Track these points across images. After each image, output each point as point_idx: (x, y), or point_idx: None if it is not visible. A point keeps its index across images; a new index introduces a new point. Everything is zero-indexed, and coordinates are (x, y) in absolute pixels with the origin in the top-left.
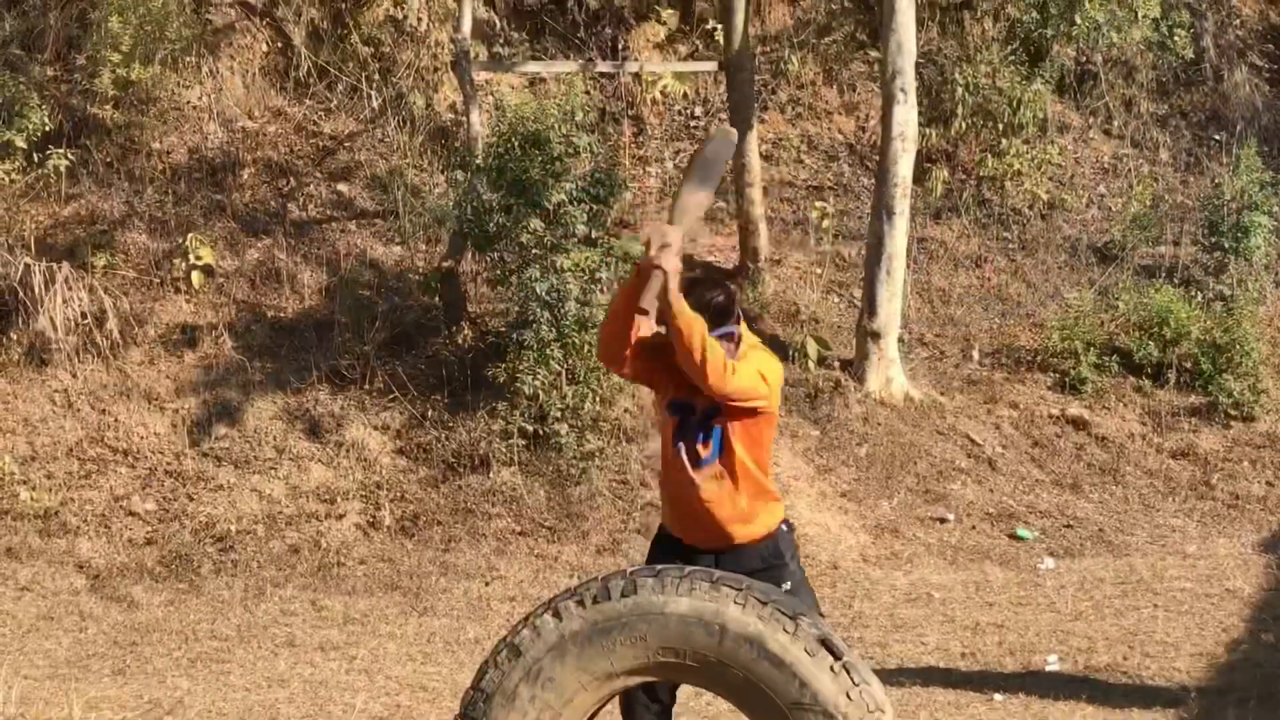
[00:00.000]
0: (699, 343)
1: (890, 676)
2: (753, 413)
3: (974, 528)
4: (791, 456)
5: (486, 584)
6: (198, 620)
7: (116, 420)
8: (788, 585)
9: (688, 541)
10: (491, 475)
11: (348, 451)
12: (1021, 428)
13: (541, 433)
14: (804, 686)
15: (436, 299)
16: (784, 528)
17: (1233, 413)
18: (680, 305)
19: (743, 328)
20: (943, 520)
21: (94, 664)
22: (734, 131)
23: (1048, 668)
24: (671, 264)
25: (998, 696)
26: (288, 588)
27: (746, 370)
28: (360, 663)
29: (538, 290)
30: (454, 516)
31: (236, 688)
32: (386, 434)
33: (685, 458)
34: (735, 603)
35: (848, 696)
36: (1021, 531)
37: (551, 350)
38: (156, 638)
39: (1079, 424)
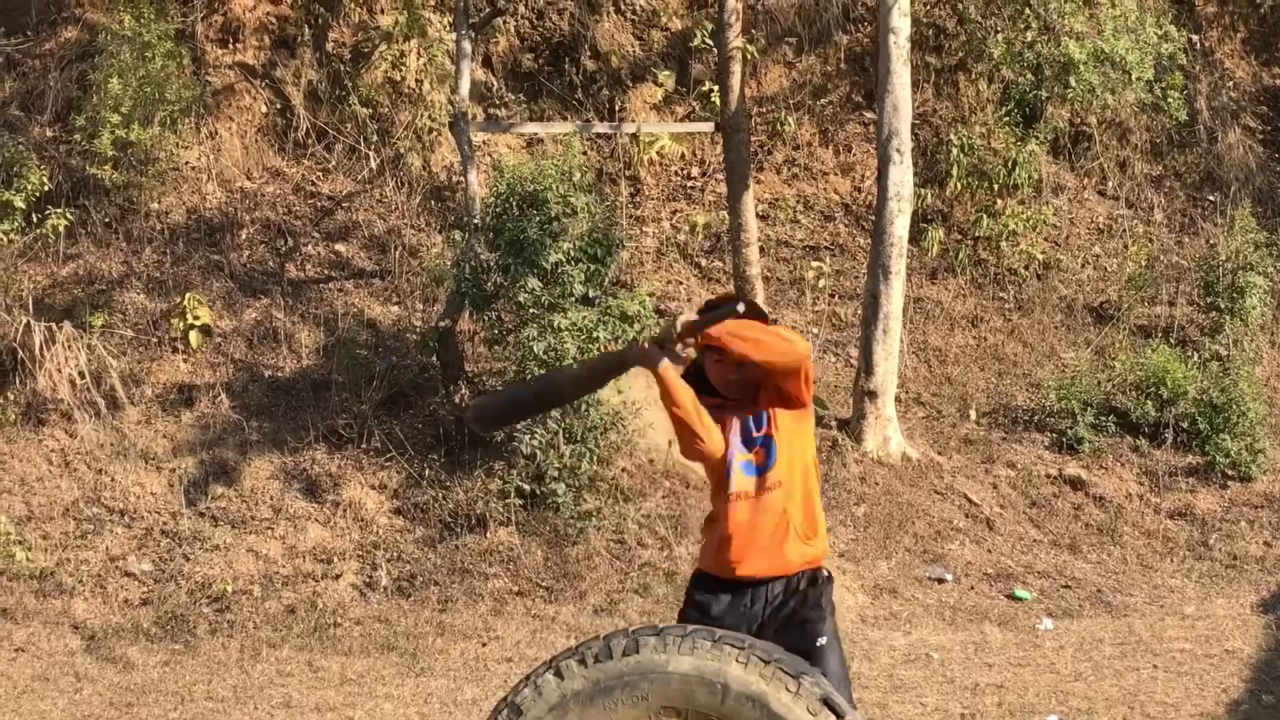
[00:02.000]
0: (768, 338)
1: None
2: (793, 400)
3: (972, 588)
4: None
5: (484, 644)
6: (193, 681)
7: (113, 480)
8: (822, 641)
9: (742, 573)
10: (488, 535)
11: (345, 511)
12: (1019, 487)
13: (539, 492)
14: None
15: (434, 358)
16: (826, 573)
17: (1230, 473)
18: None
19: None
20: (941, 580)
21: None
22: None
23: None
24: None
25: None
26: (284, 648)
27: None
28: None
29: (535, 350)
30: (451, 576)
31: None
32: (384, 493)
33: (756, 484)
34: (738, 661)
35: None
36: (1019, 592)
37: (549, 410)
38: (152, 699)
39: (1076, 484)
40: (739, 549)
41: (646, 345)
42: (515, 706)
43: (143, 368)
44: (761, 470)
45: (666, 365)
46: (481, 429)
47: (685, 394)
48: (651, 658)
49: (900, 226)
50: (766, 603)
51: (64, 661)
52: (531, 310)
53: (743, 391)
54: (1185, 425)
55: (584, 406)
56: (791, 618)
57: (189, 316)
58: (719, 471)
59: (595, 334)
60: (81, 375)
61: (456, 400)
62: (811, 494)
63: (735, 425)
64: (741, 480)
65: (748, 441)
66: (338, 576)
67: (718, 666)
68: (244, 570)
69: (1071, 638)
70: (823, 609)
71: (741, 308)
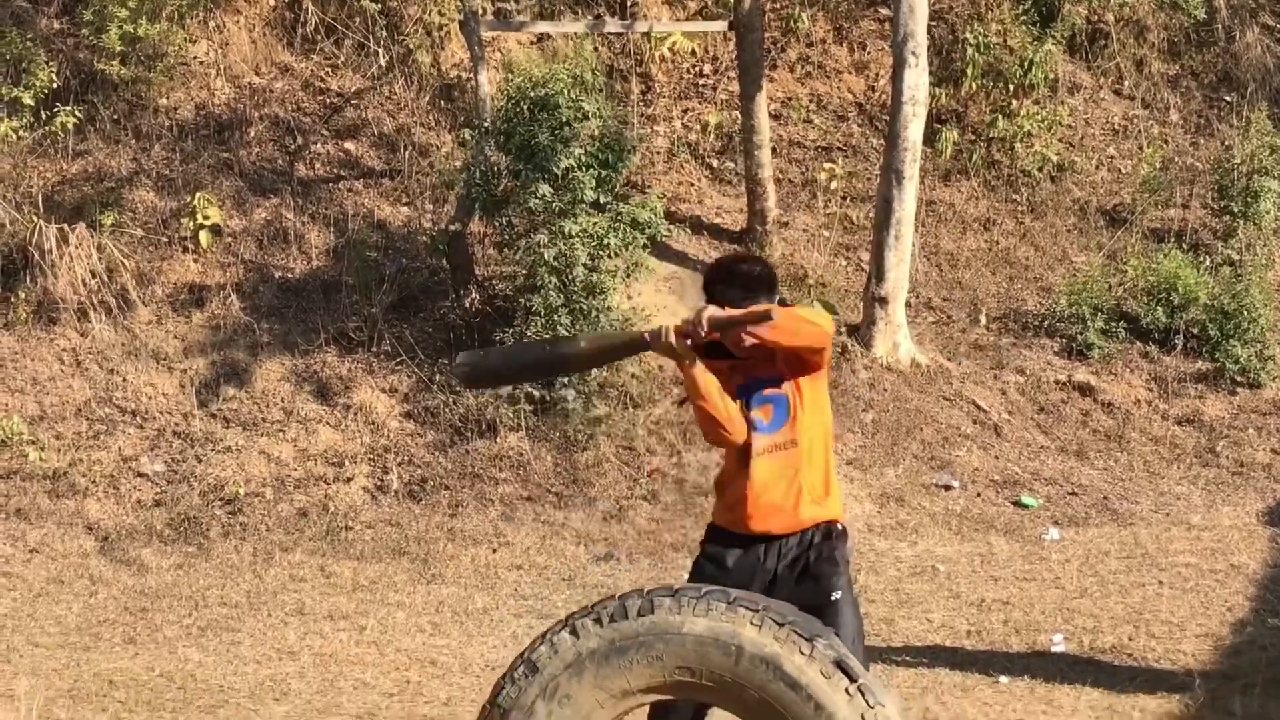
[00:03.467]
0: (799, 324)
1: (897, 655)
2: (811, 367)
3: (979, 495)
4: None
5: (494, 551)
6: (207, 586)
7: (125, 380)
8: (836, 595)
9: (756, 528)
10: (499, 440)
11: (355, 414)
12: (1028, 393)
13: (549, 398)
14: (819, 709)
15: (444, 261)
16: (841, 527)
17: (1239, 379)
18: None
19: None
20: (948, 488)
21: (104, 631)
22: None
23: (1053, 648)
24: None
25: (1003, 679)
26: (296, 552)
27: (805, 312)
28: (370, 634)
29: (545, 256)
30: (461, 481)
31: (247, 660)
32: (394, 397)
33: (753, 428)
34: (752, 624)
35: (863, 718)
36: (1026, 499)
37: (559, 316)
38: (166, 604)
39: (1085, 390)
40: (752, 506)
41: (672, 338)
42: (531, 664)
43: (153, 267)
44: (774, 427)
45: (692, 364)
46: (466, 386)
47: (711, 386)
48: (667, 619)
49: (914, 131)
50: (780, 557)
51: (78, 563)
52: (542, 216)
53: (759, 354)
54: (1195, 331)
55: (594, 313)
56: (806, 572)
57: (199, 216)
58: (736, 450)
59: (606, 240)
60: (93, 275)
61: (466, 305)
62: (828, 455)
63: (750, 381)
64: (756, 438)
65: (761, 398)
66: (349, 480)
67: (732, 629)
68: (255, 472)
69: (1077, 550)
70: (837, 564)
71: (775, 316)
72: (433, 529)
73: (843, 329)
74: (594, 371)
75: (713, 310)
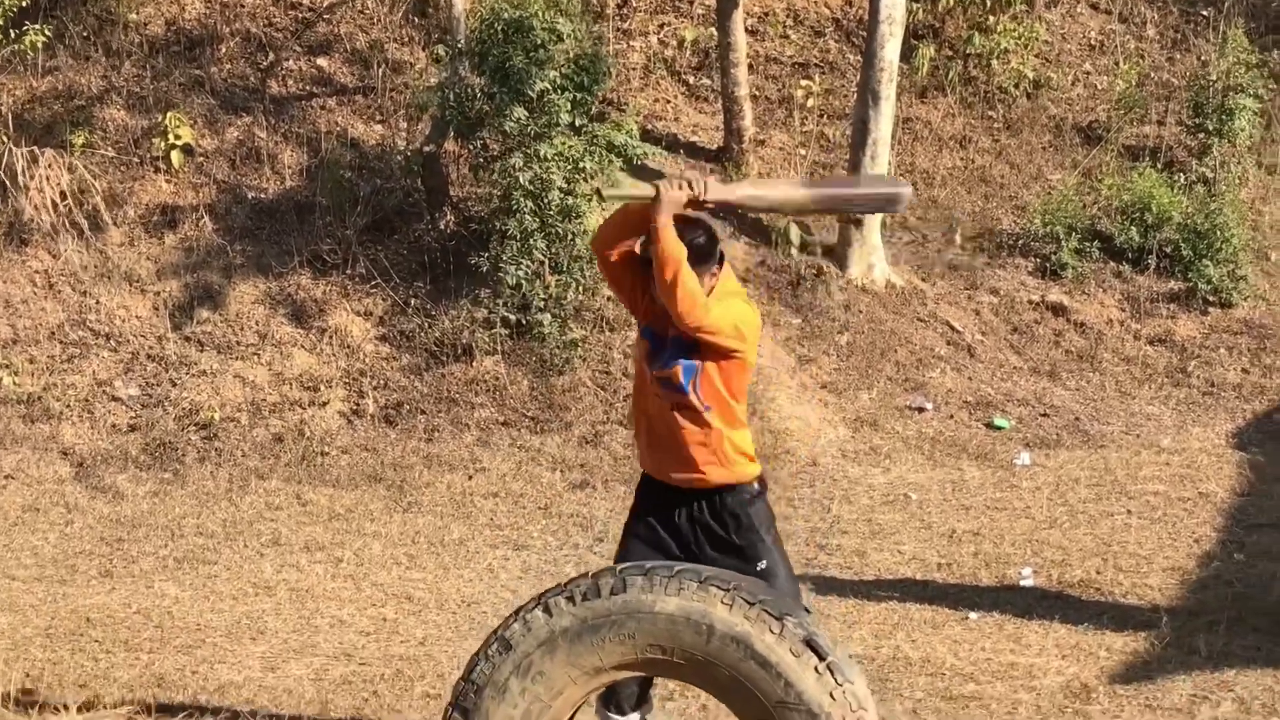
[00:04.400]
0: (674, 270)
1: (869, 590)
2: (725, 355)
3: (951, 417)
4: (773, 346)
5: (470, 478)
6: (183, 514)
7: (98, 303)
8: (763, 565)
9: (660, 477)
10: (474, 364)
11: (330, 338)
12: (1001, 314)
13: (524, 322)
14: (789, 686)
15: (419, 183)
16: (757, 487)
17: (1211, 299)
18: (667, 232)
19: (725, 273)
20: (921, 410)
21: (81, 564)
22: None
23: (1022, 582)
24: (674, 195)
25: (973, 615)
26: (272, 479)
27: (722, 312)
28: (346, 567)
29: (520, 180)
30: (437, 405)
31: (224, 595)
32: (369, 320)
33: (656, 383)
34: (723, 603)
35: (831, 696)
36: (998, 421)
37: (535, 240)
38: (143, 533)
39: (1058, 310)
40: (651, 450)
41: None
42: (505, 641)
43: (125, 188)
44: (674, 385)
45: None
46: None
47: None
48: (639, 597)
49: (891, 51)
50: (691, 519)
51: (54, 490)
52: (517, 139)
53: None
54: (1169, 251)
55: (570, 235)
56: (729, 543)
57: (170, 136)
58: (638, 368)
59: (581, 164)
60: (64, 196)
61: (441, 227)
62: (732, 424)
63: (673, 339)
64: (651, 374)
65: (672, 359)
66: (324, 404)
67: (703, 608)
68: (231, 397)
69: (1048, 477)
70: (757, 530)
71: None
72: (408, 454)
73: (818, 250)
74: (569, 295)
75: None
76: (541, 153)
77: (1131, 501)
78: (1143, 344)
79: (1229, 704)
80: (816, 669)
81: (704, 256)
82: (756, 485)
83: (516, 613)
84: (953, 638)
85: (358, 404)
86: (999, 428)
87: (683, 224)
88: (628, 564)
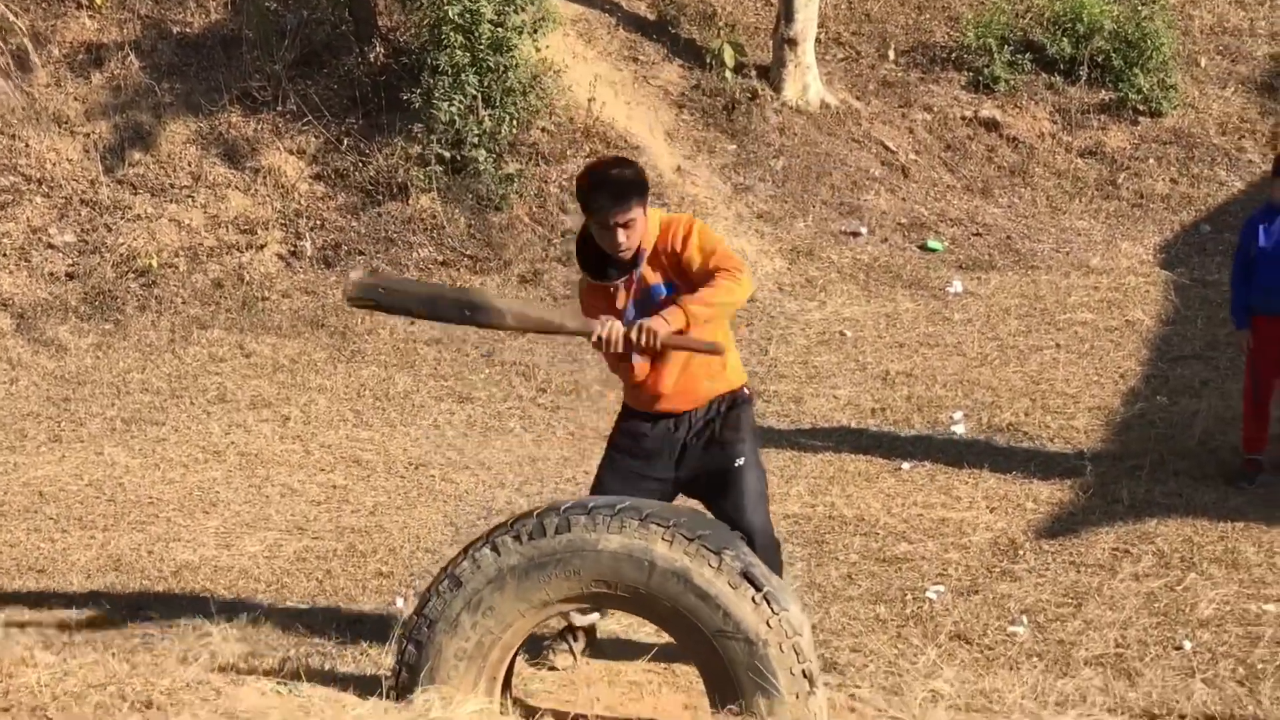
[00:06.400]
0: (724, 311)
1: (805, 440)
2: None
3: (885, 240)
4: (709, 174)
5: (411, 323)
6: (127, 369)
7: (28, 146)
8: (740, 462)
9: (664, 407)
10: (410, 202)
11: (265, 178)
12: (935, 131)
13: (459, 158)
14: (727, 616)
15: (346, 14)
16: (747, 392)
17: (1141, 109)
18: (689, 336)
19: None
20: (856, 234)
21: (29, 428)
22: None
23: (953, 428)
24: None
25: (905, 465)
26: (214, 328)
27: (732, 262)
28: (293, 426)
29: (449, 13)
30: (375, 246)
31: (174, 462)
32: (303, 159)
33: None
34: (663, 539)
35: (767, 624)
36: (932, 243)
37: (466, 75)
38: (88, 390)
39: (991, 125)
40: (649, 393)
41: (619, 346)
42: (455, 578)
43: (48, 26)
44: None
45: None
46: (352, 305)
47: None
48: (583, 536)
49: None
50: (690, 427)
51: None
52: None
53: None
54: (1100, 61)
55: (502, 69)
56: (713, 439)
57: None
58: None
59: None
60: None
61: (371, 60)
62: (721, 335)
63: (635, 289)
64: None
65: (655, 303)
66: (262, 247)
67: (644, 545)
68: (168, 242)
69: (979, 307)
70: (740, 430)
71: (718, 349)
72: None
73: (752, 72)
74: (503, 130)
75: (666, 335)
76: None
77: (1060, 333)
78: (1074, 157)
79: (1149, 558)
80: (753, 599)
81: (645, 188)
82: (746, 391)
83: (465, 550)
84: (886, 491)
85: (295, 245)
86: (932, 250)
87: (607, 166)
88: (571, 503)
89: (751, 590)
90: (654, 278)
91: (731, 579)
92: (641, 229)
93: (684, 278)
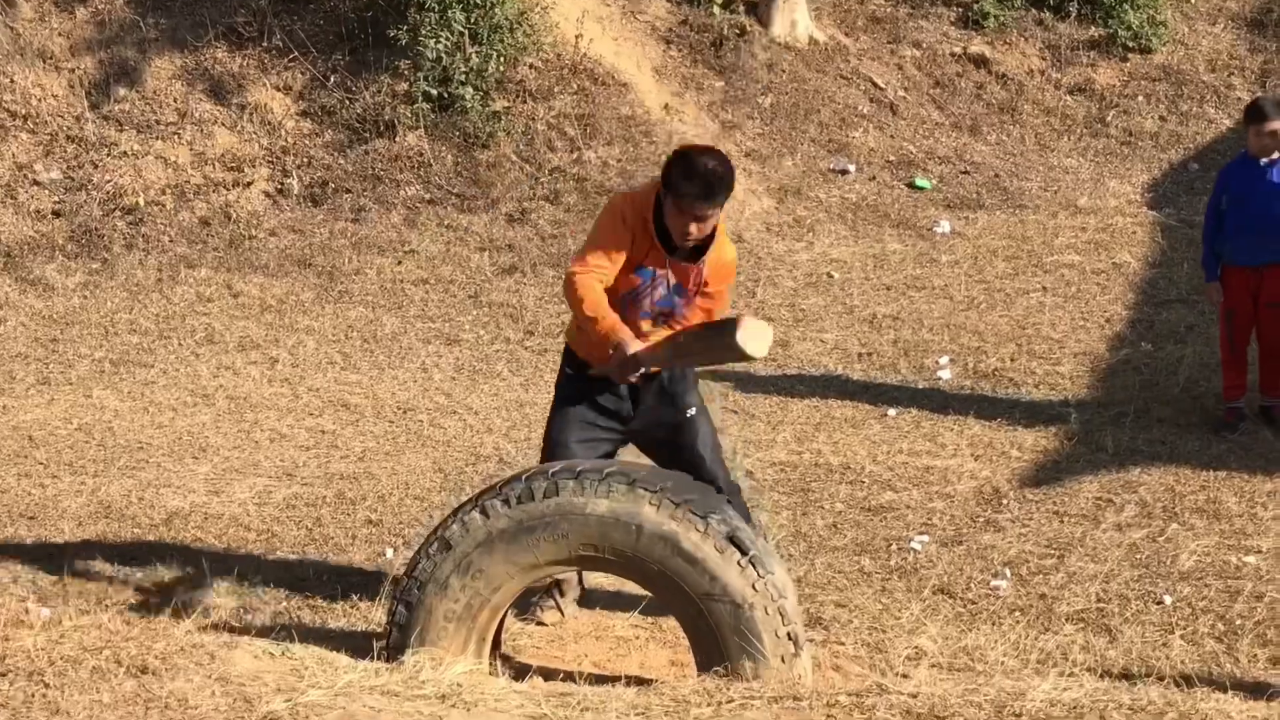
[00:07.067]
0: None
1: (792, 386)
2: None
3: (873, 179)
4: (697, 112)
5: (398, 262)
6: (115, 309)
7: (12, 82)
8: (692, 411)
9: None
10: (397, 140)
11: (251, 115)
12: (924, 68)
13: (446, 95)
14: (714, 580)
15: None
16: None
17: (1130, 45)
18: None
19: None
20: (844, 172)
21: (17, 369)
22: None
23: (939, 373)
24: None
25: (891, 412)
26: (201, 267)
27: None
28: (281, 369)
29: None
30: (362, 184)
31: (163, 406)
32: (289, 96)
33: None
34: (650, 504)
35: (753, 588)
36: (920, 181)
37: (453, 11)
38: (76, 332)
39: (980, 62)
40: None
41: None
42: (445, 541)
43: None
44: (659, 316)
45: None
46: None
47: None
48: (570, 500)
49: None
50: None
51: None
52: None
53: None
54: None
55: (489, 4)
56: (663, 390)
57: None
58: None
59: None
60: None
61: None
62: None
63: (677, 278)
64: (642, 321)
65: (668, 300)
66: (249, 184)
67: (632, 509)
68: (154, 179)
69: (966, 248)
70: (688, 380)
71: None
72: (336, 236)
73: (740, 8)
74: (490, 66)
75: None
76: None
77: (1047, 276)
78: (1063, 94)
79: (1132, 507)
80: (739, 563)
81: (731, 188)
82: None
83: (455, 513)
84: (871, 438)
85: (282, 183)
86: (920, 188)
87: (696, 155)
88: (559, 467)
89: (737, 554)
90: (679, 276)
91: (718, 543)
92: (712, 227)
93: (692, 298)
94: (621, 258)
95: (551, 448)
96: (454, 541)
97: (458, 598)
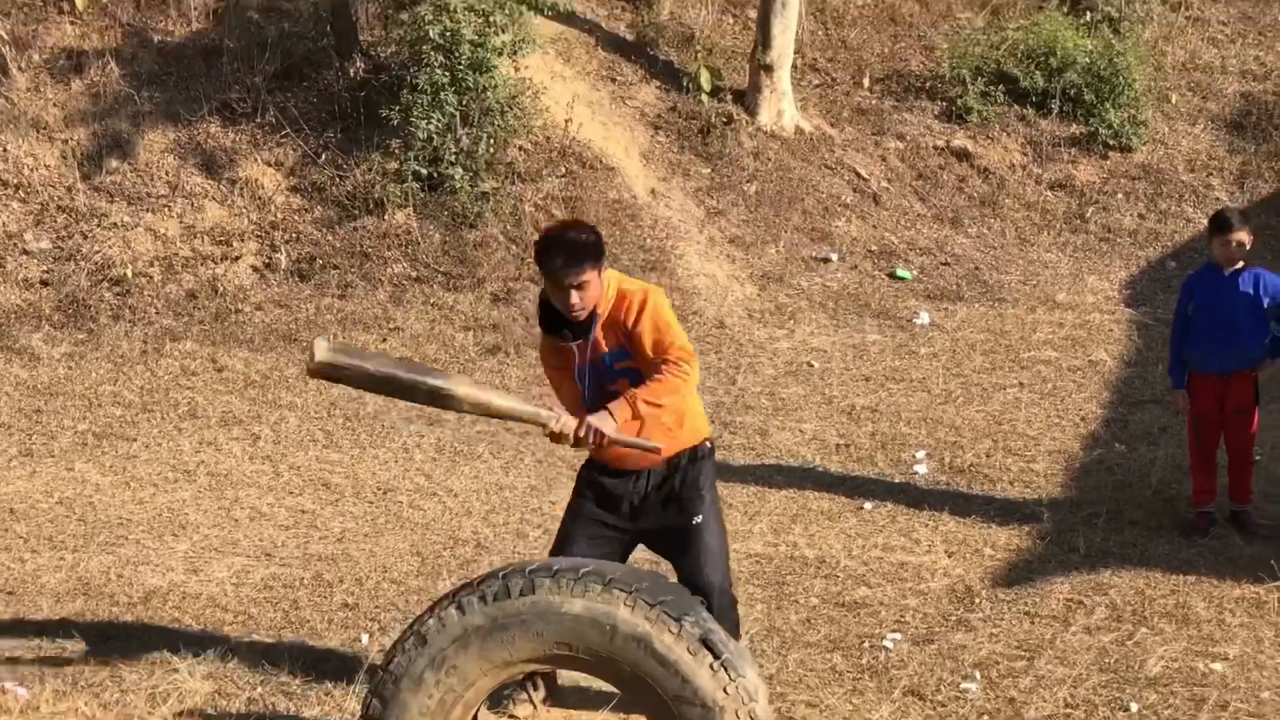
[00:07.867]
0: (669, 401)
1: (770, 475)
2: None
3: (855, 268)
4: (683, 198)
5: (383, 340)
6: (99, 380)
7: (5, 151)
8: (698, 520)
9: (623, 466)
10: (386, 217)
11: (241, 189)
12: (907, 159)
13: (436, 175)
14: (686, 682)
15: (328, 29)
16: (709, 446)
17: (1111, 143)
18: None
19: (607, 270)
20: (826, 260)
21: (1, 441)
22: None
23: (916, 467)
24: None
25: (868, 505)
26: (186, 340)
27: (673, 334)
28: (263, 446)
29: (430, 33)
30: (350, 260)
31: (144, 482)
32: (280, 171)
33: (606, 394)
34: (625, 605)
35: (725, 691)
36: (901, 271)
37: (445, 93)
38: (60, 403)
39: (962, 155)
40: (608, 455)
41: (569, 440)
42: (421, 636)
43: (29, 31)
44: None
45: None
46: (313, 376)
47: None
48: (547, 598)
49: None
50: (649, 481)
51: None
52: None
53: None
54: (1072, 94)
55: (481, 89)
56: (671, 495)
57: None
58: (573, 398)
59: (492, 17)
60: None
61: (351, 75)
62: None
63: (599, 358)
64: (605, 393)
65: (615, 373)
66: (237, 258)
67: (607, 609)
68: (143, 250)
69: (945, 341)
70: (700, 487)
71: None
72: (322, 312)
73: (728, 96)
74: (480, 148)
75: (612, 433)
76: (451, 5)
77: (1024, 372)
78: (1043, 189)
79: (1102, 610)
80: (711, 666)
81: (598, 254)
82: (708, 444)
83: (432, 608)
84: (847, 531)
85: (270, 258)
86: (901, 278)
87: (568, 229)
88: (536, 565)
89: (710, 657)
90: (606, 344)
91: (691, 645)
92: (595, 292)
93: (633, 349)
94: (562, 376)
95: (558, 542)
96: (430, 637)
97: (432, 693)
